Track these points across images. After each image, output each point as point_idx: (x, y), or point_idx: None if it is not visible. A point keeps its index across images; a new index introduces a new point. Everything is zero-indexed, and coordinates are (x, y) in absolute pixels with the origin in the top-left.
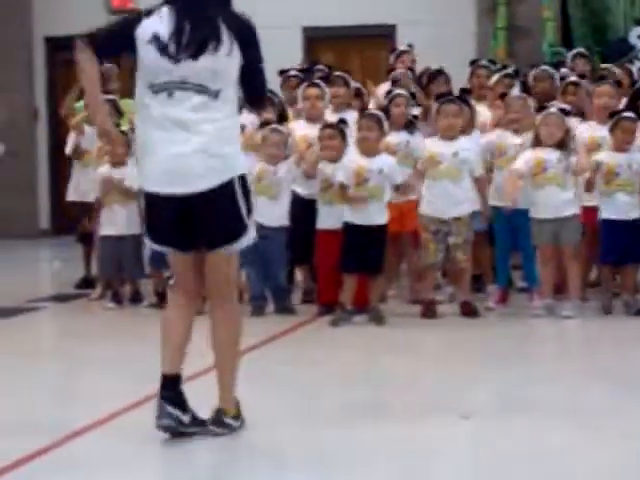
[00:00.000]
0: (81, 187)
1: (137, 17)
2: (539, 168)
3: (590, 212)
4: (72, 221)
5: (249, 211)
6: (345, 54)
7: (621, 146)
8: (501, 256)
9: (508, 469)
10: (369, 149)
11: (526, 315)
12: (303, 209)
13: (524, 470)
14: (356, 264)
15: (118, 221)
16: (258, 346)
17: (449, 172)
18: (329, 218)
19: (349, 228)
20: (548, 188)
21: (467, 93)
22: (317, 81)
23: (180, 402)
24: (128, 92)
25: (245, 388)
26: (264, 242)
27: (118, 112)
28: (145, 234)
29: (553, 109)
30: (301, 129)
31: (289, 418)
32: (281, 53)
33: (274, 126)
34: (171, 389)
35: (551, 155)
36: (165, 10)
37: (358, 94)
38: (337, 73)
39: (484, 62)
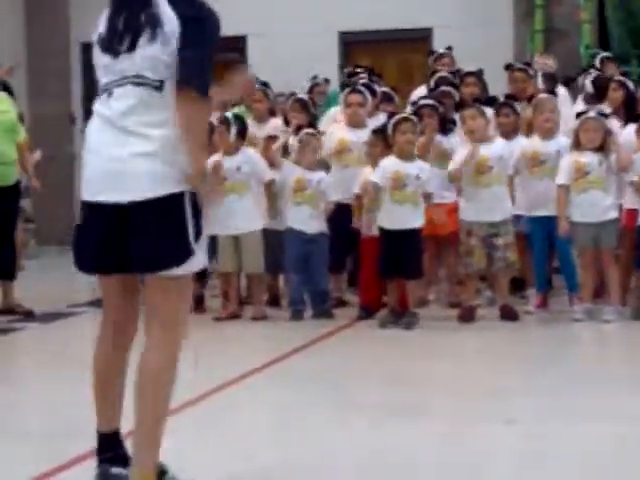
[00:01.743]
0: None
1: None
2: (580, 172)
3: (631, 215)
4: None
5: (197, 234)
6: (381, 58)
7: None
8: (539, 260)
9: (554, 475)
10: (409, 153)
11: (566, 319)
12: (338, 214)
13: (572, 476)
14: (394, 269)
15: None
16: (300, 350)
17: (499, 177)
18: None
19: (384, 233)
20: (591, 192)
21: (512, 99)
22: (360, 87)
23: (123, 459)
24: None
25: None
26: (307, 248)
27: None
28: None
29: (592, 113)
30: (342, 134)
31: (335, 419)
32: (318, 58)
33: (311, 131)
34: (111, 448)
35: (592, 158)
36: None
37: (389, 98)
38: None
39: (519, 65)
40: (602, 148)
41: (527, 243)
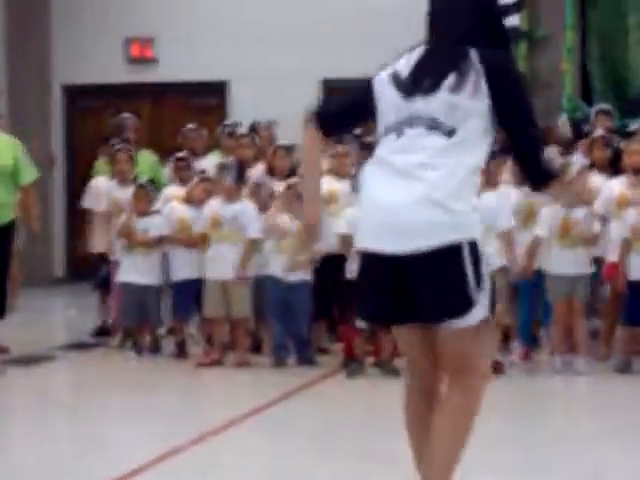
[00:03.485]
0: (105, 238)
1: (370, 81)
2: (568, 228)
3: (614, 268)
4: (91, 269)
5: (478, 283)
6: None
7: None
8: (523, 313)
9: None
10: None
11: (549, 371)
12: (323, 262)
13: None
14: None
15: (141, 269)
16: (284, 397)
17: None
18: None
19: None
20: (574, 247)
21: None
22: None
23: None
24: (145, 143)
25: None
26: (288, 294)
27: (133, 163)
28: (357, 307)
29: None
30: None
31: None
32: (299, 103)
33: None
34: None
35: (579, 213)
36: (415, 50)
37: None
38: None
39: None
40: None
41: (516, 294)
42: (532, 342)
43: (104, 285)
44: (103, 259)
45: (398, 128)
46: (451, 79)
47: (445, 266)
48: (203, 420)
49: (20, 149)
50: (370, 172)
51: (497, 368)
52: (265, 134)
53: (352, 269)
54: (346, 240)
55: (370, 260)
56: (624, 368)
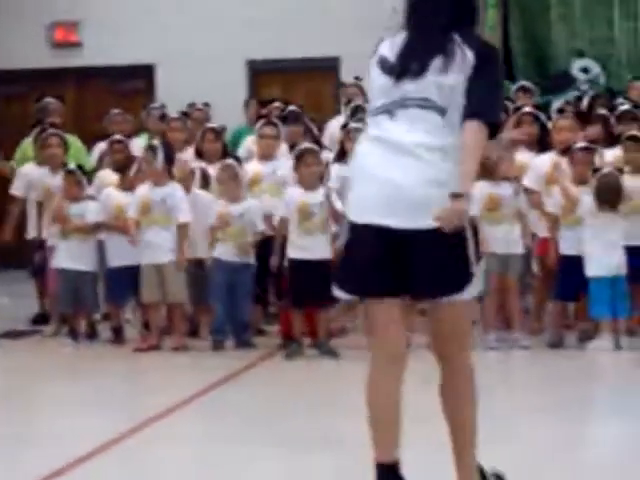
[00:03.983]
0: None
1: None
2: (495, 204)
3: (545, 243)
4: (24, 256)
5: (478, 258)
6: (290, 87)
7: (581, 178)
8: None
9: None
10: (314, 184)
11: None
12: (262, 245)
13: None
14: (305, 298)
15: (76, 255)
16: (223, 381)
17: None
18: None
19: (294, 264)
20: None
21: None
22: (274, 120)
23: None
24: (69, 128)
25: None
26: (232, 278)
27: (65, 148)
28: (335, 279)
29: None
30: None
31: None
32: (226, 86)
33: (231, 161)
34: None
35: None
36: (398, 35)
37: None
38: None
39: None
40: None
41: None
42: None
43: (40, 272)
44: (38, 246)
45: (389, 110)
46: (438, 61)
47: (450, 242)
48: (143, 406)
49: None
50: (366, 150)
51: None
52: (198, 116)
53: (288, 252)
54: (284, 223)
55: (367, 234)
56: (556, 343)
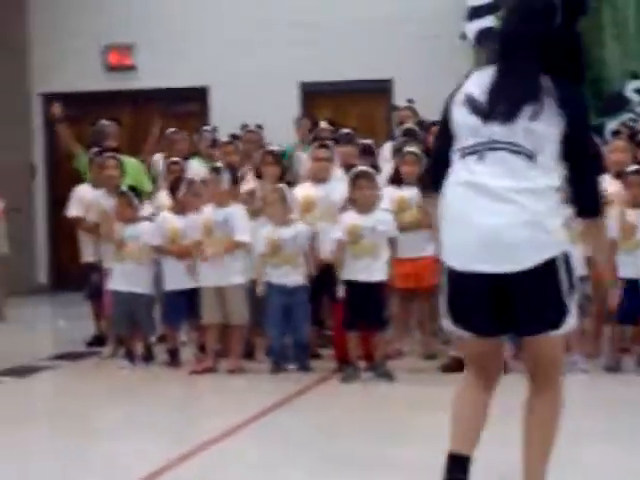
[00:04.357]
0: (94, 247)
1: (446, 113)
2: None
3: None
4: (77, 278)
5: (571, 291)
6: (342, 109)
7: (636, 201)
8: None
9: None
10: (368, 207)
11: None
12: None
13: None
14: (357, 321)
15: (132, 278)
16: (280, 404)
17: None
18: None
19: (347, 286)
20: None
21: None
22: (327, 142)
23: None
24: (127, 151)
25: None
26: (288, 301)
27: (122, 170)
28: (446, 313)
29: None
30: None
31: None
32: (278, 108)
33: (283, 185)
34: (462, 471)
35: None
36: (486, 71)
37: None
38: (345, 130)
39: None
40: None
41: None
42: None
43: (96, 294)
44: (93, 268)
45: (478, 151)
46: (529, 107)
47: (544, 280)
48: (198, 430)
49: None
50: (456, 193)
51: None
52: (250, 138)
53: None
54: (340, 246)
55: (466, 278)
56: (614, 367)
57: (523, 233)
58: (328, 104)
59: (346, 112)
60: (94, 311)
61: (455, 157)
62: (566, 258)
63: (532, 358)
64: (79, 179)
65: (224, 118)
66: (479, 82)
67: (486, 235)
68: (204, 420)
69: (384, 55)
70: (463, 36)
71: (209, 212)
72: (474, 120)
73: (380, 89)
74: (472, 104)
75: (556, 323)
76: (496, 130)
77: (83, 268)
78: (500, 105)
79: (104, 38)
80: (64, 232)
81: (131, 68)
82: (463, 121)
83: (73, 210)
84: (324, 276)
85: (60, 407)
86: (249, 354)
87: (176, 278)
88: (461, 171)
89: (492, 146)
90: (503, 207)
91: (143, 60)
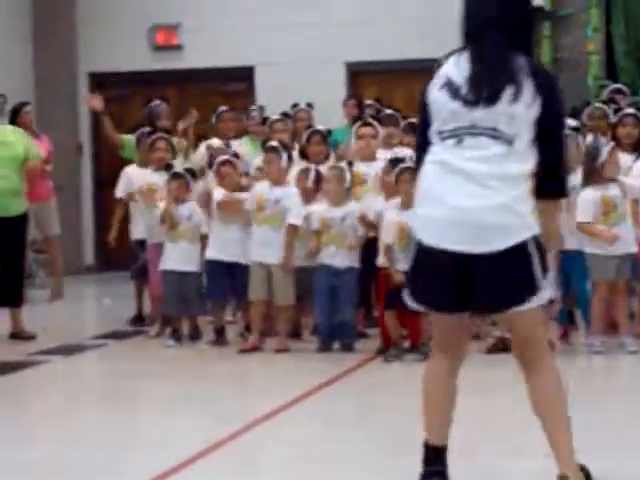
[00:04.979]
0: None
1: (425, 94)
2: (609, 206)
3: None
4: (124, 258)
5: (543, 271)
6: (388, 89)
7: None
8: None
9: None
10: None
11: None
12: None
13: None
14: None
15: (184, 257)
16: (327, 383)
17: None
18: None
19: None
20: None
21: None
22: (370, 120)
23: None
24: (172, 130)
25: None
26: (336, 280)
27: (173, 150)
28: (408, 290)
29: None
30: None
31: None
32: (324, 88)
33: (338, 164)
34: (439, 463)
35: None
36: (462, 55)
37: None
38: (388, 112)
39: None
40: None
41: None
42: (569, 322)
43: (141, 273)
44: (142, 247)
45: (458, 135)
46: (510, 90)
47: (516, 260)
48: (248, 409)
49: (29, 140)
50: (433, 171)
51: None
52: (301, 116)
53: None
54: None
55: (436, 256)
56: None
57: (497, 217)
58: (375, 84)
59: (392, 92)
60: (137, 290)
61: (433, 139)
62: (537, 241)
63: (513, 337)
64: (127, 160)
65: (269, 98)
66: (457, 66)
67: (459, 216)
68: (252, 399)
69: (429, 34)
70: None
71: (264, 188)
72: (455, 105)
73: (426, 69)
74: (452, 89)
75: (520, 300)
76: (477, 115)
77: (131, 247)
78: (482, 90)
79: (151, 18)
80: (111, 212)
81: (177, 48)
82: (443, 105)
83: (121, 191)
84: (372, 255)
85: (109, 386)
86: (296, 334)
87: (222, 248)
88: (439, 153)
89: (472, 131)
90: (478, 190)
91: (189, 40)
